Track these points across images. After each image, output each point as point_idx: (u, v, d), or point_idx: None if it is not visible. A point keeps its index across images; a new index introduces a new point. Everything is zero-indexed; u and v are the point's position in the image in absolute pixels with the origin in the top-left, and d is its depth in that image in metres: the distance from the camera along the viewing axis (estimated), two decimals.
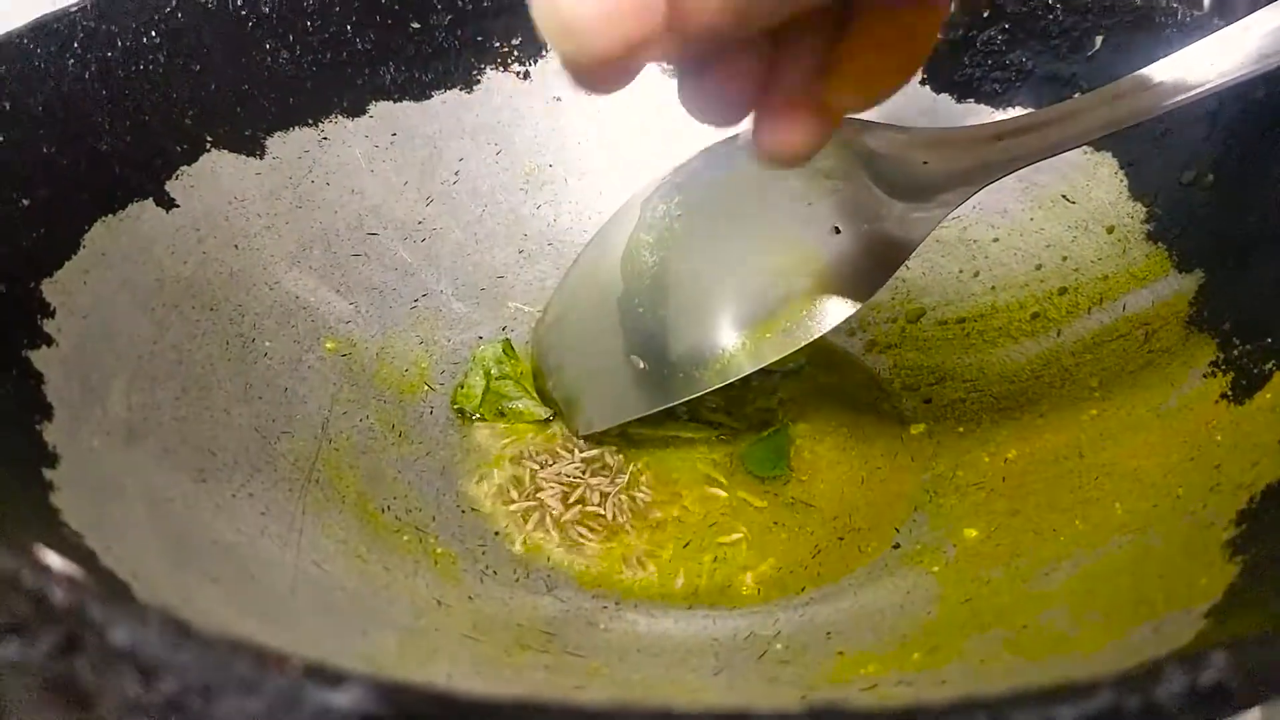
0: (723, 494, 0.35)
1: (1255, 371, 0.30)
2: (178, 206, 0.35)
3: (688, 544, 0.33)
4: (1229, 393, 0.30)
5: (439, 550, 0.32)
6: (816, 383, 0.39)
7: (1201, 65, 0.32)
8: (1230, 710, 0.14)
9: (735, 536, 0.33)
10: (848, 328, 0.40)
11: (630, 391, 0.36)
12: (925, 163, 0.35)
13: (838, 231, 0.34)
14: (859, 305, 0.33)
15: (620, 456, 0.36)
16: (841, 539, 0.33)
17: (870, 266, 0.33)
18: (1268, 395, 0.29)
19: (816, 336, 0.33)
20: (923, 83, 0.42)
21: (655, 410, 0.35)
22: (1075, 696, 0.13)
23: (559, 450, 0.36)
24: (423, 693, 0.14)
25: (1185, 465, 0.29)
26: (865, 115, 0.39)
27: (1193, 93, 0.31)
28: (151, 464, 0.28)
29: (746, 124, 0.41)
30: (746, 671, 0.27)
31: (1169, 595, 0.25)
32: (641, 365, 0.35)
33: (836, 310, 0.33)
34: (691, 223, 0.36)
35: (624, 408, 0.36)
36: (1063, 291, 0.37)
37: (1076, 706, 0.13)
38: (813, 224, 0.34)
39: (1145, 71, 0.32)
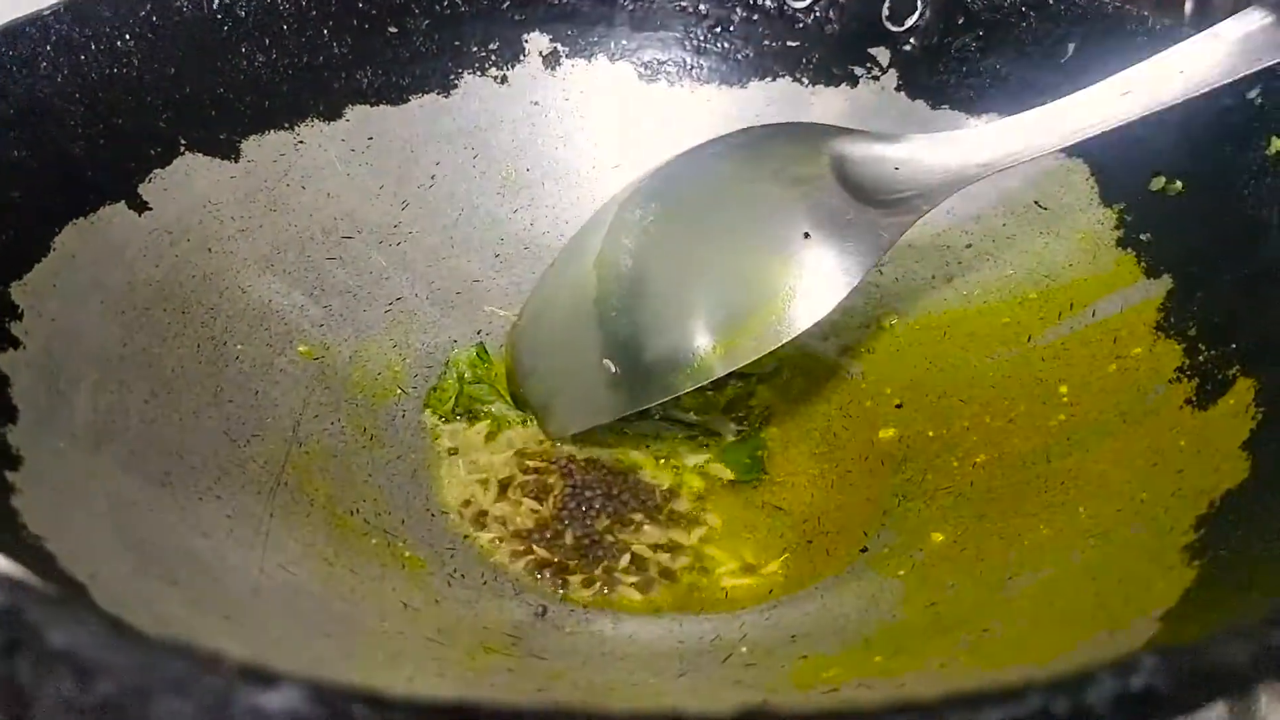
0: (693, 497, 0.35)
1: (1219, 377, 0.30)
2: (150, 210, 0.35)
3: (656, 546, 0.33)
4: (1193, 398, 0.31)
5: (407, 554, 0.32)
6: (791, 386, 0.39)
7: (1172, 74, 0.32)
8: (1162, 716, 0.14)
9: (704, 539, 0.33)
10: (821, 332, 0.40)
11: (603, 395, 0.36)
12: (897, 169, 0.35)
13: (808, 236, 0.34)
14: (830, 308, 0.33)
15: (590, 459, 0.36)
16: (810, 542, 0.33)
17: (841, 271, 0.33)
18: (1230, 401, 0.29)
19: (788, 339, 0.33)
20: (898, 89, 0.42)
21: (628, 413, 0.35)
22: (1004, 699, 0.14)
23: (531, 453, 0.36)
24: (354, 693, 0.14)
25: (1149, 470, 0.29)
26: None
27: (1163, 102, 0.31)
28: (116, 467, 0.28)
29: (721, 128, 0.42)
30: (710, 675, 0.28)
31: (1127, 600, 0.25)
32: (614, 369, 0.35)
33: (808, 314, 0.33)
34: (665, 227, 0.36)
35: (597, 411, 0.36)
36: (1034, 297, 0.37)
37: (1004, 709, 0.13)
38: (784, 229, 0.34)
39: (1116, 78, 0.33)
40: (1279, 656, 0.15)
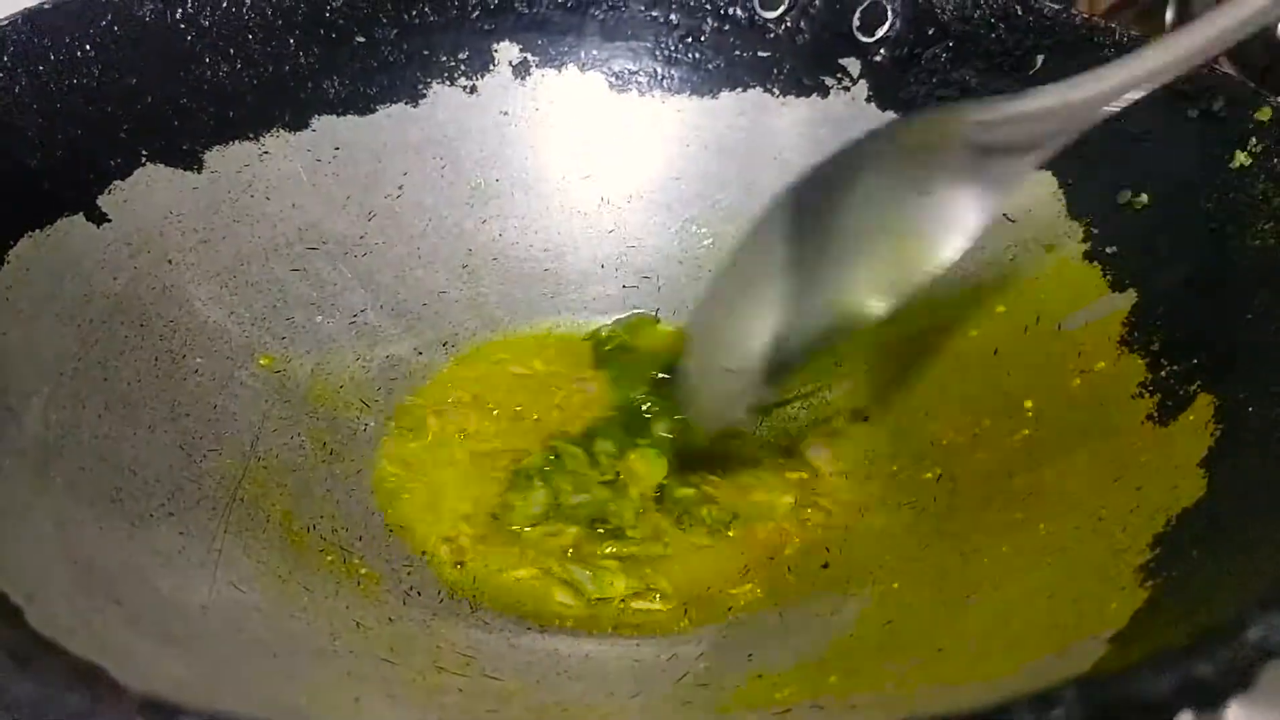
0: (654, 510, 0.35)
1: (1181, 393, 0.30)
2: (109, 221, 0.35)
3: (623, 561, 0.33)
4: (1155, 414, 0.30)
5: (363, 571, 0.31)
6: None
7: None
8: None
9: (665, 556, 0.33)
10: None
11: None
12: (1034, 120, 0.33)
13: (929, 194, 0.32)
14: (962, 247, 0.31)
15: (559, 477, 0.36)
16: (772, 558, 0.33)
17: (968, 211, 0.31)
18: (1191, 417, 0.29)
19: (933, 275, 0.31)
20: (868, 100, 0.42)
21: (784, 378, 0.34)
22: None
23: (495, 472, 0.36)
24: None
25: (1109, 486, 0.29)
26: None
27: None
28: (65, 485, 0.28)
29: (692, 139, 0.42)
30: (663, 694, 0.27)
31: (1080, 621, 0.24)
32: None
33: (941, 253, 0.31)
34: (812, 221, 0.35)
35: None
36: (1001, 311, 0.37)
37: None
38: (917, 196, 0.32)
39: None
40: (1201, 687, 0.14)
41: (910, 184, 0.33)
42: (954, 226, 0.32)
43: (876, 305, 0.32)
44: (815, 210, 0.35)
